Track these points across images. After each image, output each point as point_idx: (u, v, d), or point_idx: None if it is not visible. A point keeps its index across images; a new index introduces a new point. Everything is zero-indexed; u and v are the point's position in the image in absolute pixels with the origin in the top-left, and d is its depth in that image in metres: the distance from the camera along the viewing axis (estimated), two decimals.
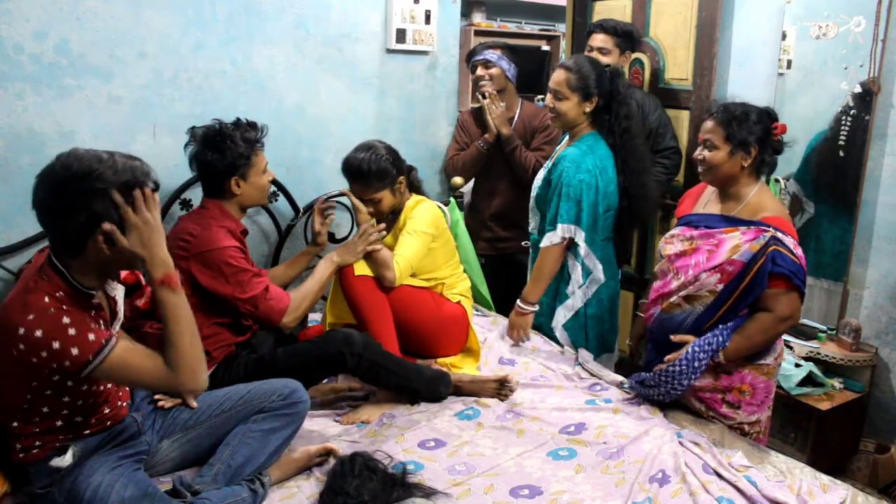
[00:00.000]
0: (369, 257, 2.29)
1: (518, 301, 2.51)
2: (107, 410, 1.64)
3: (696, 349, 2.00)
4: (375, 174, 2.34)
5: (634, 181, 2.48)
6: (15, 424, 1.53)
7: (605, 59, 2.87)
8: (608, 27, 2.89)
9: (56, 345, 1.41)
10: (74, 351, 1.42)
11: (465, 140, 3.18)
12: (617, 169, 2.46)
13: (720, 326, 2.02)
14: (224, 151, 2.07)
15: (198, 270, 2.01)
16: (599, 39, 2.89)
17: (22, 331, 1.41)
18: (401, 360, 2.19)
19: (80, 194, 1.43)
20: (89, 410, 1.59)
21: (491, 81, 3.03)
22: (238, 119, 2.15)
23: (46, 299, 1.46)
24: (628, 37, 2.90)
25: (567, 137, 2.58)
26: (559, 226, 2.39)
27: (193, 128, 2.15)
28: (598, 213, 2.43)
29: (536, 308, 2.51)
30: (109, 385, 1.65)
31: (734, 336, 2.00)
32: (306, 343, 2.13)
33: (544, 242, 2.44)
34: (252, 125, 2.15)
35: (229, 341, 2.11)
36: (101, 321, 1.59)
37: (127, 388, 1.79)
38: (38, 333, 1.41)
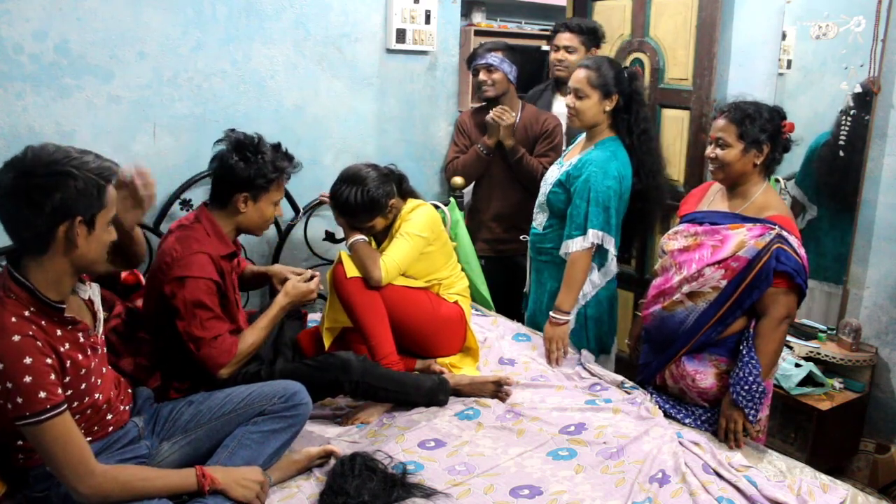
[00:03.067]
0: (357, 257, 2.28)
1: (551, 312, 2.44)
2: (109, 416, 1.63)
3: (744, 393, 1.96)
4: (365, 209, 2.28)
5: (650, 183, 2.49)
6: (18, 443, 1.52)
7: (571, 58, 2.98)
8: (573, 26, 2.98)
9: (8, 385, 1.38)
10: (19, 399, 1.38)
11: (464, 143, 3.17)
12: (633, 171, 2.46)
13: (744, 358, 1.99)
14: (249, 161, 1.98)
15: (169, 293, 1.92)
16: (566, 38, 2.98)
17: None
18: (399, 377, 2.16)
19: (51, 176, 1.39)
20: (92, 418, 1.58)
21: (494, 87, 3.02)
22: (279, 144, 2.08)
23: (14, 319, 1.41)
24: (593, 34, 2.98)
25: (581, 137, 2.58)
26: (590, 231, 2.36)
27: (233, 130, 2.06)
28: (619, 218, 2.43)
29: (571, 317, 2.45)
30: (111, 393, 1.64)
31: (760, 359, 1.99)
32: (303, 366, 2.06)
33: (574, 248, 2.39)
34: (289, 157, 2.07)
35: None
36: (81, 333, 1.55)
37: (129, 391, 1.78)
38: None
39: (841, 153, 2.99)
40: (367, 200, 2.27)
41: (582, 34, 2.95)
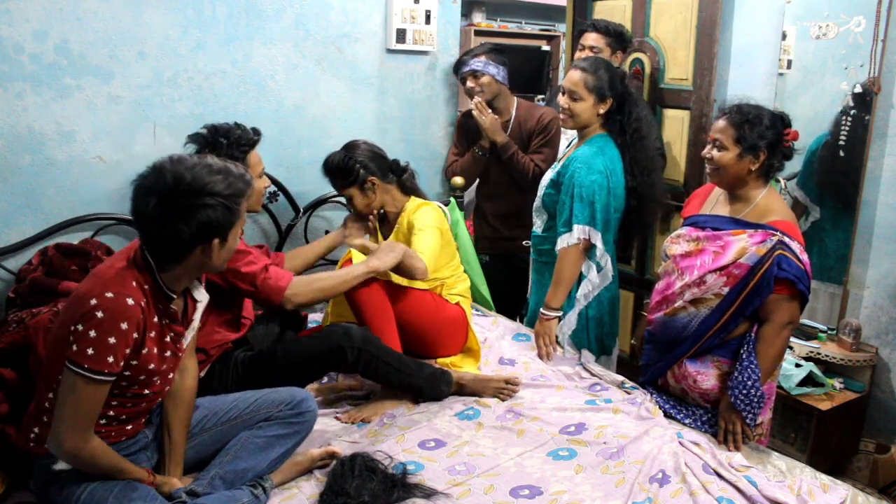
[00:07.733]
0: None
1: (541, 309, 2.45)
2: (129, 427, 1.63)
3: (742, 397, 1.96)
4: (338, 172, 2.40)
5: (643, 181, 2.48)
6: (44, 418, 1.53)
7: None
8: (600, 26, 2.94)
9: (91, 333, 1.42)
10: (90, 350, 1.42)
11: (463, 144, 3.18)
12: (625, 169, 2.46)
13: (744, 362, 1.98)
14: (221, 147, 2.05)
15: None
16: (592, 38, 2.94)
17: (93, 301, 1.43)
18: (400, 355, 2.17)
19: (193, 208, 1.46)
20: (120, 410, 1.57)
21: (483, 91, 3.00)
22: (236, 123, 2.14)
23: (135, 284, 1.49)
24: (619, 37, 2.95)
25: (576, 139, 2.58)
26: (575, 227, 2.36)
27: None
28: (610, 214, 2.42)
29: (560, 314, 2.45)
30: (142, 401, 1.62)
31: (759, 363, 1.98)
32: (305, 338, 2.09)
33: (561, 245, 2.40)
34: (247, 128, 2.15)
35: (226, 339, 2.06)
36: (172, 334, 1.59)
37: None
38: (99, 314, 1.42)
39: (841, 153, 2.98)
40: (342, 165, 2.38)
41: (609, 35, 2.92)
